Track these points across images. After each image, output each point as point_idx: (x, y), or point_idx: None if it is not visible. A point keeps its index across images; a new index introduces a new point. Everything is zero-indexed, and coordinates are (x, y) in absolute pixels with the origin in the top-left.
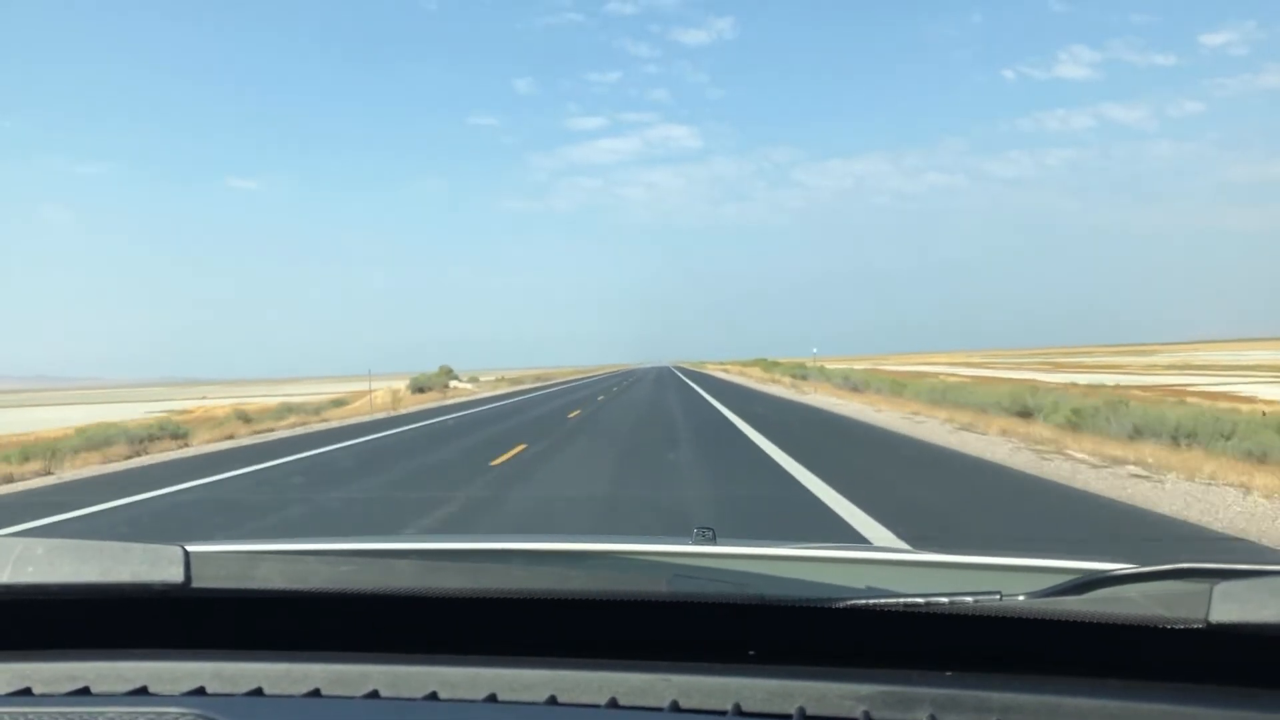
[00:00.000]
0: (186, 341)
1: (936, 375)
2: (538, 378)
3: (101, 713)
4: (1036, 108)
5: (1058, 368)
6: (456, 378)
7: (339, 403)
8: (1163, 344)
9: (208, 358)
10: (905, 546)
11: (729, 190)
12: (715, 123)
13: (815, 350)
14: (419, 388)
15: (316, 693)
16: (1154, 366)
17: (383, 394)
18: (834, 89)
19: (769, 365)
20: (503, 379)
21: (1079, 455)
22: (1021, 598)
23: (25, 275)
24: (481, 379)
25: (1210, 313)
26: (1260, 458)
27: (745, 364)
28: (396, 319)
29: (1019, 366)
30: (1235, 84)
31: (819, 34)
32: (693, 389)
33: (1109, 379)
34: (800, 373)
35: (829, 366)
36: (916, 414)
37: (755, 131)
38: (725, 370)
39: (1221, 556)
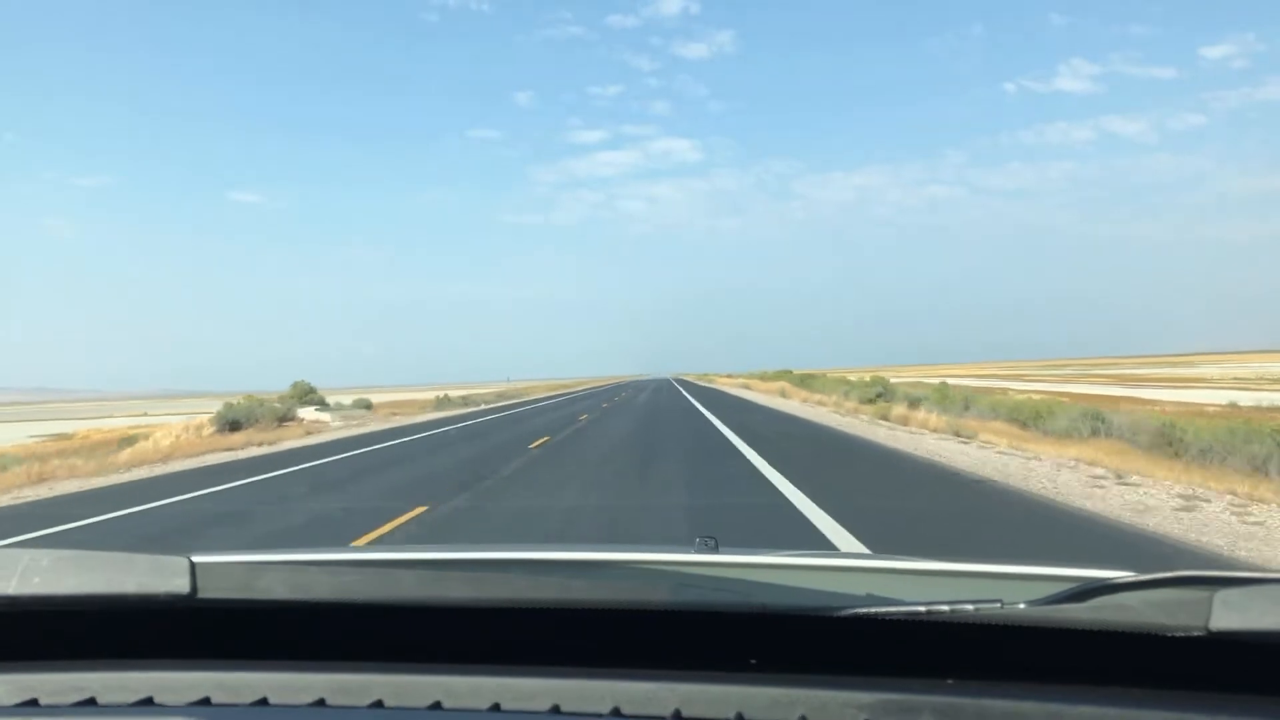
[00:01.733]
0: (190, 353)
1: (1007, 391)
2: (499, 394)
3: None
4: (1037, 120)
5: (1123, 380)
6: (320, 402)
7: (127, 442)
8: (1190, 355)
9: (211, 369)
10: (906, 555)
11: (730, 203)
12: (716, 136)
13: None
14: (231, 422)
15: (321, 702)
16: (1244, 379)
17: (148, 442)
18: (834, 102)
19: (804, 379)
20: (444, 397)
21: None
22: (1022, 605)
23: (29, 287)
24: (391, 402)
25: (1219, 323)
26: None
27: (766, 377)
28: (399, 331)
29: (1072, 379)
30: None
31: (819, 47)
32: (736, 450)
33: (1209, 394)
34: (901, 397)
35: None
36: None
37: (755, 144)
38: (746, 387)
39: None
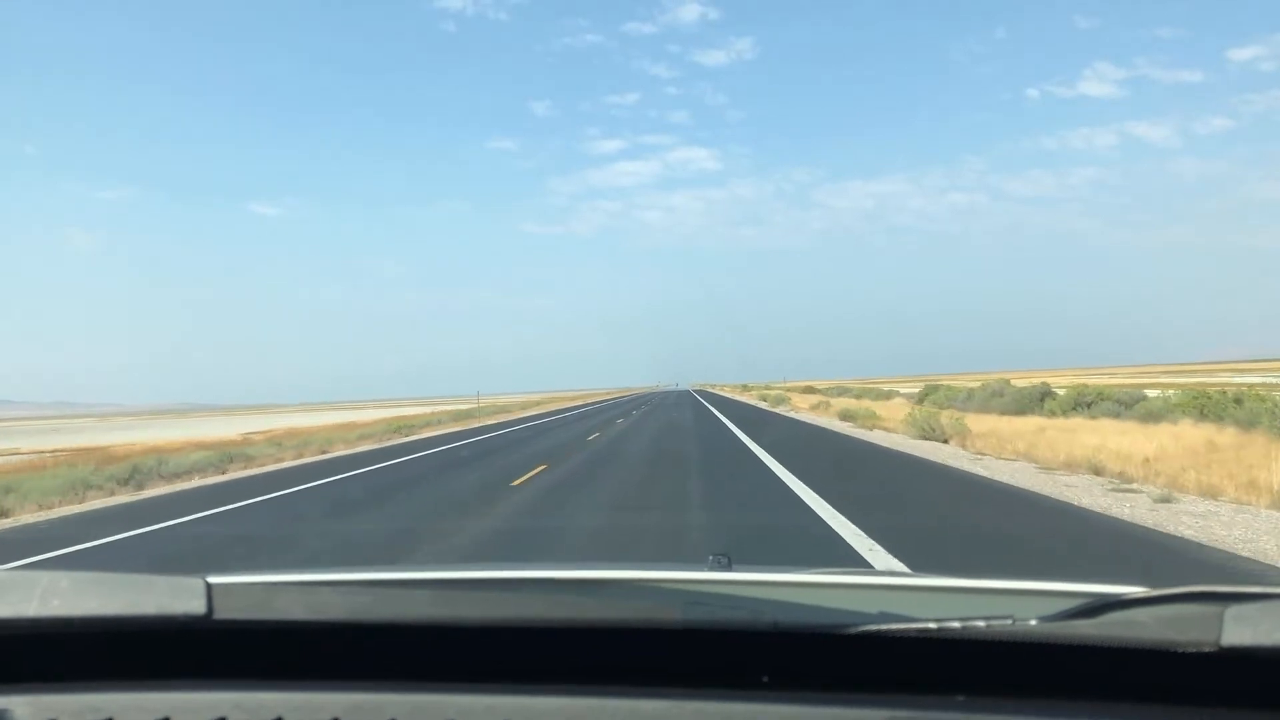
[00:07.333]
0: (210, 366)
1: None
2: (448, 421)
3: None
4: (1061, 126)
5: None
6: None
7: None
8: (1242, 361)
9: (230, 382)
10: (917, 572)
11: (749, 212)
12: (735, 144)
13: None
14: None
15: None
16: None
17: None
18: (854, 108)
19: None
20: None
21: None
22: (1033, 621)
23: (49, 301)
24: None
25: (1252, 329)
26: None
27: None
28: (417, 343)
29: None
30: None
31: (839, 54)
32: None
33: None
34: None
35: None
36: None
37: (775, 153)
38: (879, 423)
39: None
